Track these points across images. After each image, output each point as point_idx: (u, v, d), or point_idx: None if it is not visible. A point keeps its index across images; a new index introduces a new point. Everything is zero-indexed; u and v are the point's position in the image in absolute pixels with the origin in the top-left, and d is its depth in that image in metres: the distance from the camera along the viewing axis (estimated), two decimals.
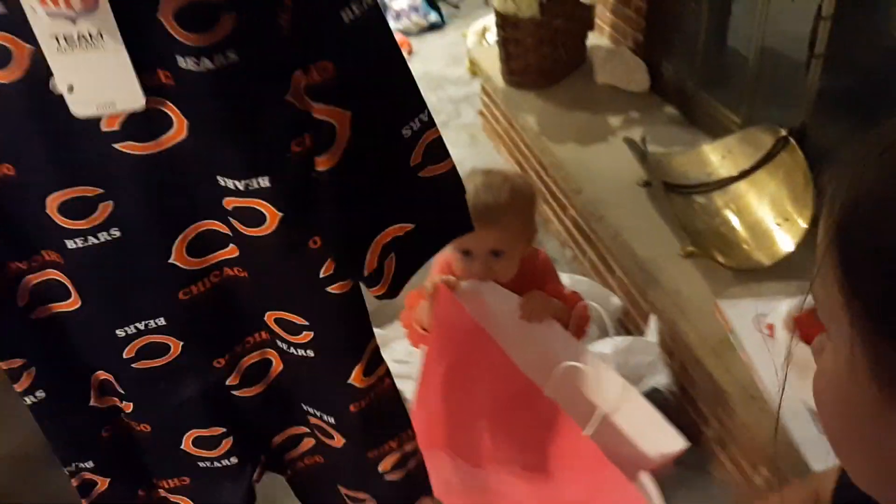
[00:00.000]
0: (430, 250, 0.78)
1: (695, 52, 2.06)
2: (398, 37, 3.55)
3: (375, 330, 1.35)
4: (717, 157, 1.79)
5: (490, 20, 3.10)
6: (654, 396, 1.53)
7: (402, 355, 1.69)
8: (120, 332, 0.73)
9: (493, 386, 1.22)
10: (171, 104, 0.60)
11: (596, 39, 2.57)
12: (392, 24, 3.71)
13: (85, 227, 0.66)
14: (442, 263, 1.34)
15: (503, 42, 2.33)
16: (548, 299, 1.26)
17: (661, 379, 1.57)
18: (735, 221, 1.63)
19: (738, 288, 1.46)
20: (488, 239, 1.20)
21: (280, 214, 0.64)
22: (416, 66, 3.46)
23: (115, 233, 0.67)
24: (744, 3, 1.93)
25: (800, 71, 1.62)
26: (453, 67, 3.41)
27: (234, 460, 0.83)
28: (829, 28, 1.53)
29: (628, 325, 1.81)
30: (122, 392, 0.78)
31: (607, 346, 1.62)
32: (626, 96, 2.26)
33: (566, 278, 1.83)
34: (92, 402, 0.79)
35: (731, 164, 1.74)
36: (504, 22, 2.26)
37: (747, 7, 1.84)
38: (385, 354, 1.77)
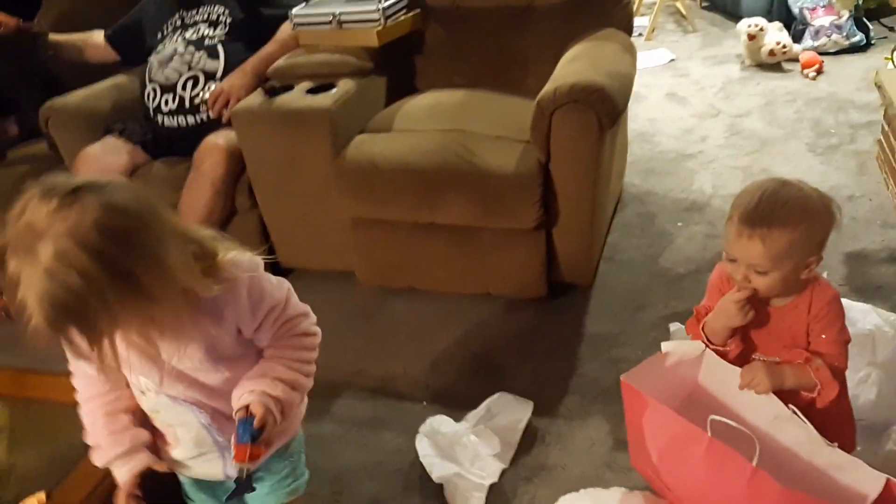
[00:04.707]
0: None
1: None
2: (810, 55, 3.38)
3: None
4: None
5: None
6: None
7: None
8: None
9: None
10: None
11: None
12: (809, 42, 3.53)
13: None
14: (720, 270, 1.36)
15: None
16: (773, 370, 1.25)
17: None
18: None
19: None
20: (751, 252, 1.18)
21: None
22: (821, 87, 3.27)
23: None
24: None
25: None
26: (864, 92, 3.13)
27: None
28: None
29: None
30: None
31: None
32: None
33: None
34: None
35: None
36: None
37: None
38: None
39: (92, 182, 0.89)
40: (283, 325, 1.09)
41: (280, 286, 1.10)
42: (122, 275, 0.86)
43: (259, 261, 1.07)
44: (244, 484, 1.06)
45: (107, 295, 0.85)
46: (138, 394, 1.11)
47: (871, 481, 1.15)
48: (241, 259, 1.05)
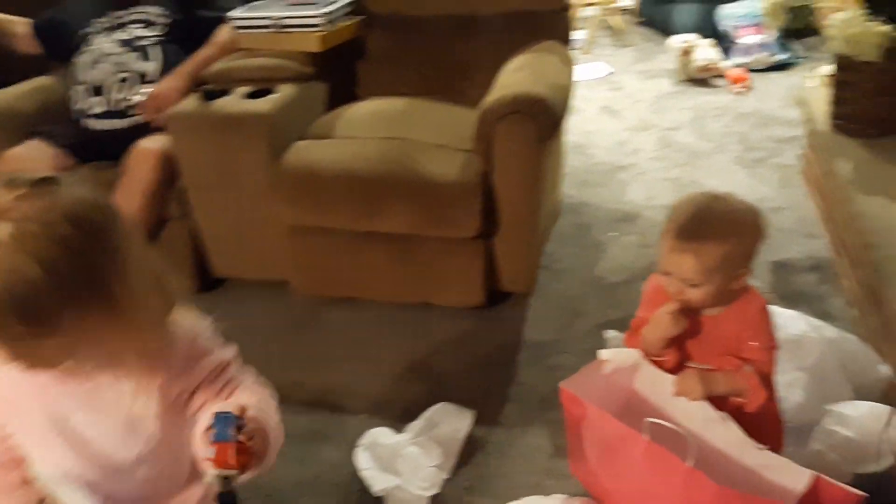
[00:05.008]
0: None
1: None
2: (738, 71, 3.51)
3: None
4: None
5: None
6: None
7: None
8: None
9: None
10: None
11: None
12: (740, 59, 3.67)
13: None
14: (654, 282, 1.39)
15: (837, 85, 2.22)
16: (705, 377, 1.28)
17: None
18: None
19: None
20: (684, 266, 1.22)
21: None
22: (749, 103, 3.40)
23: None
24: None
25: None
26: (788, 109, 3.27)
27: None
28: None
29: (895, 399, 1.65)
30: None
31: (859, 409, 1.52)
32: None
33: (834, 332, 1.73)
34: None
35: None
36: (841, 63, 2.16)
37: None
38: None
39: (63, 176, 0.83)
40: (228, 384, 0.98)
41: (227, 348, 1.01)
42: (91, 271, 0.78)
43: (206, 324, 0.99)
44: (229, 501, 0.82)
45: (70, 289, 0.77)
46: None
47: (797, 478, 1.19)
48: (184, 320, 0.96)
